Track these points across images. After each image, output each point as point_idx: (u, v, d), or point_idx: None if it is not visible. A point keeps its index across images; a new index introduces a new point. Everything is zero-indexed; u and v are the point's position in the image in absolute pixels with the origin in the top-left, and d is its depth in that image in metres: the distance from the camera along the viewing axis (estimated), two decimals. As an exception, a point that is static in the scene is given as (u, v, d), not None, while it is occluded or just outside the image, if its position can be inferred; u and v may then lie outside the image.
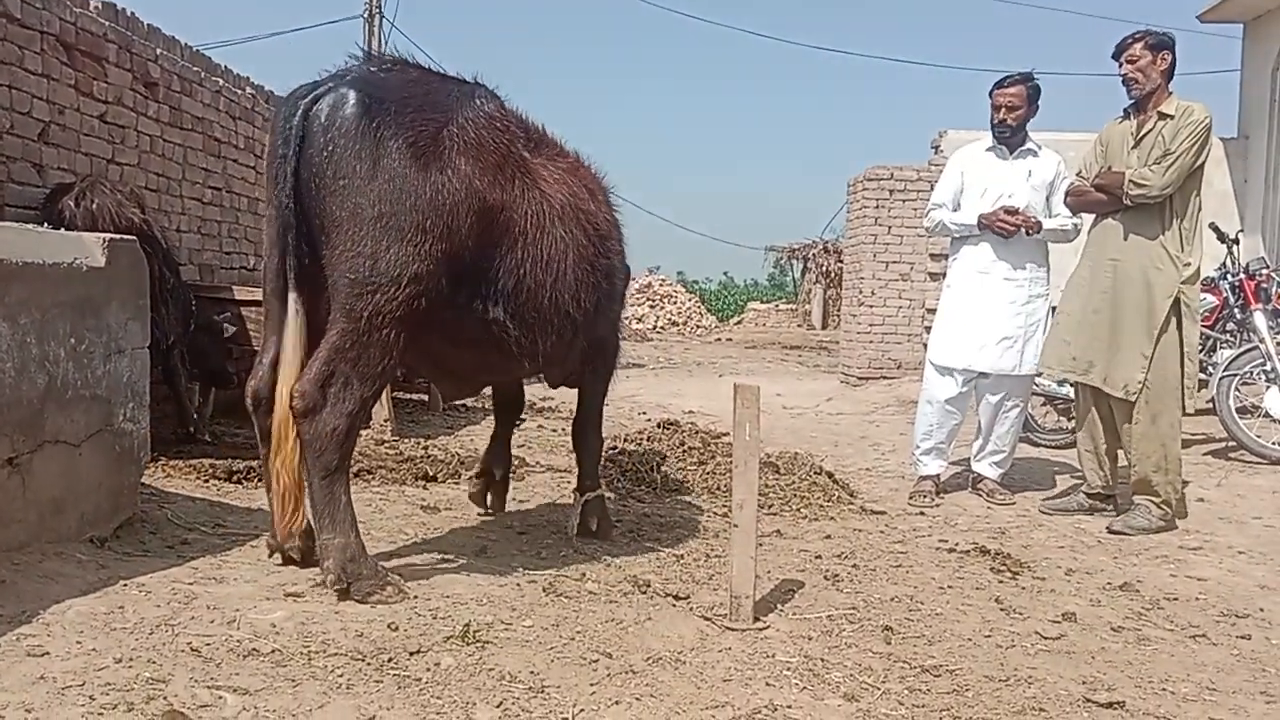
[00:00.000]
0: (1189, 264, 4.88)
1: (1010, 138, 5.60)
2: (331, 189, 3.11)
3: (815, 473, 5.87)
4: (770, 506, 5.33)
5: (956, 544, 4.64)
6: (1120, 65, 5.03)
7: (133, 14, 6.14)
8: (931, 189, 12.55)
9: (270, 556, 3.54)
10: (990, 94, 5.64)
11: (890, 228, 11.90)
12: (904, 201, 11.87)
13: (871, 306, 11.94)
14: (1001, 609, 3.65)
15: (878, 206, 11.91)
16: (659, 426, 6.28)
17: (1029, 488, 6.09)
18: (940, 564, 4.28)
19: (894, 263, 11.90)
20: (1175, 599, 3.89)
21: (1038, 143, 5.69)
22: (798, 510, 5.33)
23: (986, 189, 5.62)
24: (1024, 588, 3.96)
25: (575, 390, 4.42)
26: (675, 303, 28.72)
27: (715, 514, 5.07)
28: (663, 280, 31.00)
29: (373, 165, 3.10)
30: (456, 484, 5.32)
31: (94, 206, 4.89)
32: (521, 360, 3.66)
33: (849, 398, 11.25)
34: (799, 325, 32.50)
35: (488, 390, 4.72)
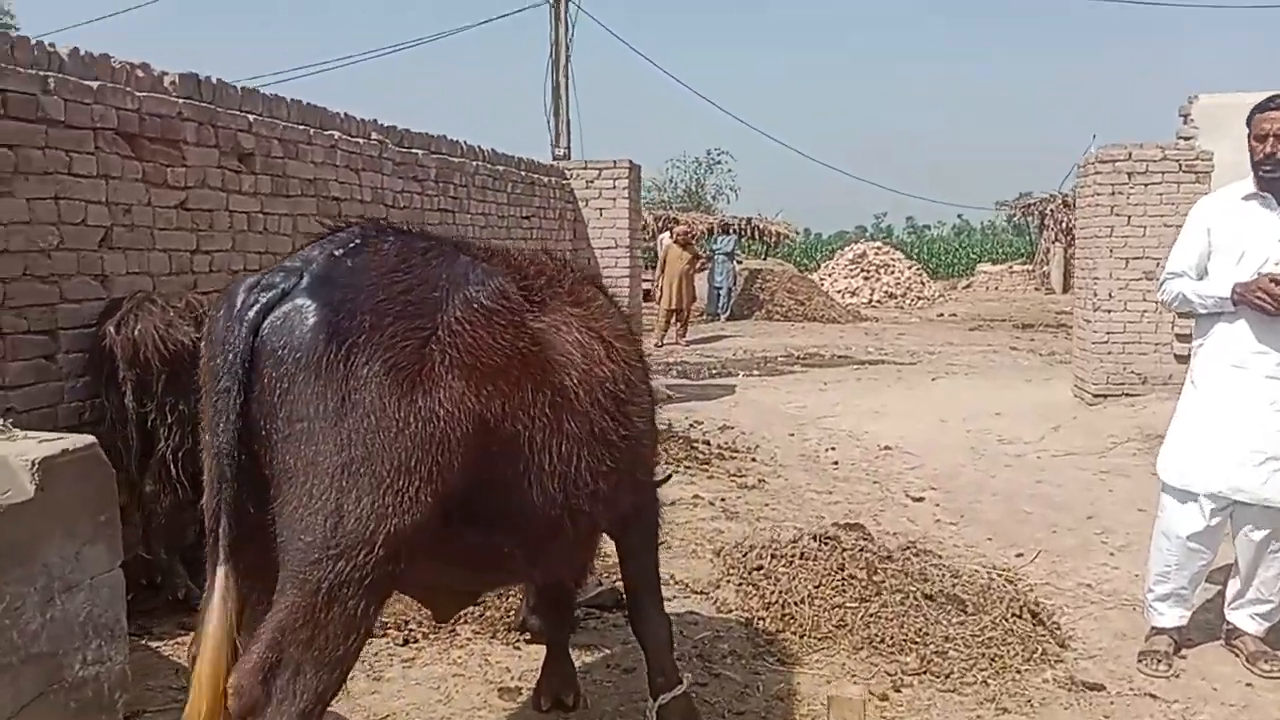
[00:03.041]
0: None
1: (1278, 180, 4.09)
2: (285, 434, 2.34)
3: (1014, 614, 4.63)
4: (947, 674, 4.17)
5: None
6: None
7: (219, 81, 5.56)
8: (1180, 170, 10.86)
9: None
10: (1249, 119, 4.15)
11: (1130, 218, 10.08)
12: (1145, 186, 10.01)
13: (1109, 311, 10.19)
14: None
15: (1113, 193, 10.10)
16: (815, 540, 5.21)
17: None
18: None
19: (1135, 259, 10.09)
20: None
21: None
22: (982, 678, 4.15)
23: (1245, 251, 4.14)
24: None
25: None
26: (893, 273, 26.77)
27: (869, 689, 3.98)
28: (878, 248, 29.04)
29: (340, 402, 2.32)
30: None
31: (135, 332, 4.31)
32: (531, 571, 3.17)
33: (1082, 424, 9.63)
34: (1036, 289, 29.89)
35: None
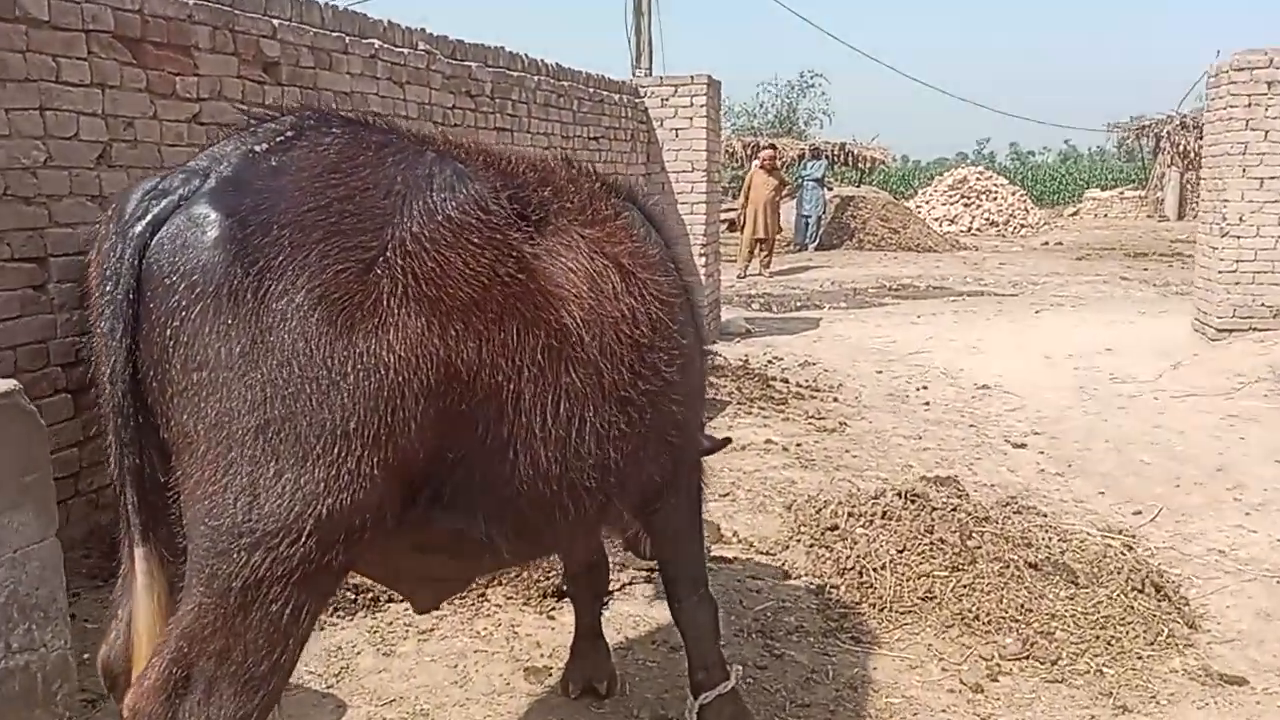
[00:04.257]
0: None
1: None
2: (181, 387, 1.79)
3: (1134, 587, 3.94)
4: (1053, 660, 3.55)
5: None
6: None
7: (238, -20, 5.01)
8: None
9: None
10: None
11: (1267, 133, 8.99)
12: (1290, 97, 8.86)
13: (1239, 237, 9.16)
14: None
15: (1250, 105, 9.00)
16: (900, 496, 4.55)
17: None
18: None
19: (1272, 179, 9.02)
20: None
21: None
22: (1096, 666, 3.51)
23: None
24: None
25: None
26: (994, 199, 25.30)
27: (959, 678, 3.38)
28: (980, 173, 27.51)
29: (251, 344, 1.76)
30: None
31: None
32: (522, 560, 2.85)
33: (1204, 361, 8.69)
34: (1149, 216, 28.14)
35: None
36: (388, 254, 1.85)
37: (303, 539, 1.78)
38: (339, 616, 3.66)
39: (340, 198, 1.86)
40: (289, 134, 1.95)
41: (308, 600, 1.85)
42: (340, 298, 1.79)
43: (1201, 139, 11.50)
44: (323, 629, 3.60)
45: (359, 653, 3.47)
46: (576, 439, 2.14)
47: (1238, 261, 9.17)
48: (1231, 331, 9.18)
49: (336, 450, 1.79)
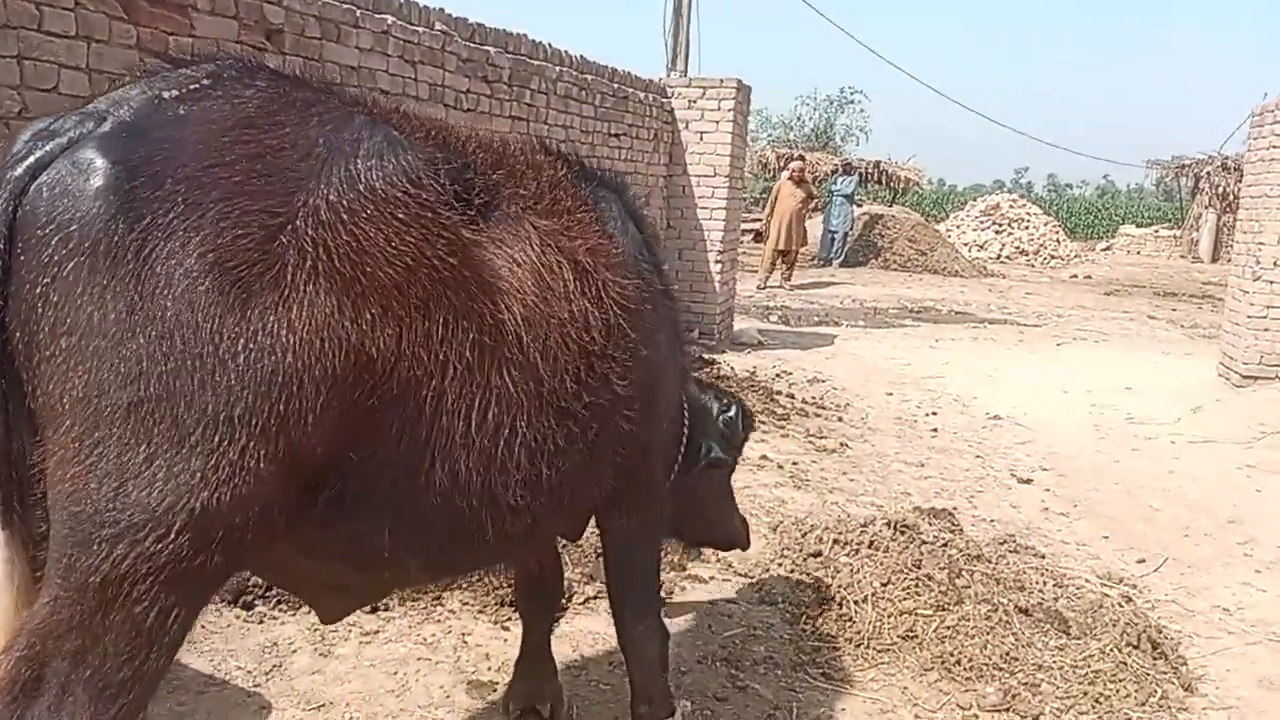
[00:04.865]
0: None
1: None
2: (48, 353, 1.58)
3: (1129, 642, 3.70)
4: (1036, 715, 3.32)
5: None
6: None
7: (242, -59, 4.84)
8: None
9: None
10: None
11: (1310, 175, 8.66)
12: (1335, 139, 8.56)
13: (1272, 282, 8.84)
14: None
15: (1294, 146, 8.68)
16: (890, 527, 4.32)
17: None
18: None
19: (1312, 223, 8.69)
20: None
21: None
22: (1085, 726, 3.27)
23: None
24: None
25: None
26: (1026, 227, 24.89)
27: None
28: (1013, 200, 27.10)
29: (129, 311, 1.55)
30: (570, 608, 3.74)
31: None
32: (439, 575, 2.59)
33: (1227, 408, 8.39)
34: (1182, 256, 27.67)
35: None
36: (297, 222, 1.64)
37: (172, 534, 1.58)
38: (279, 610, 3.47)
39: (249, 155, 1.65)
40: (204, 82, 1.75)
41: (178, 603, 1.64)
42: (236, 266, 1.58)
43: (1241, 181, 11.17)
44: (261, 622, 3.42)
45: (295, 651, 3.27)
46: (504, 450, 1.91)
47: (1268, 307, 8.87)
48: (1257, 379, 8.88)
49: (218, 438, 1.58)
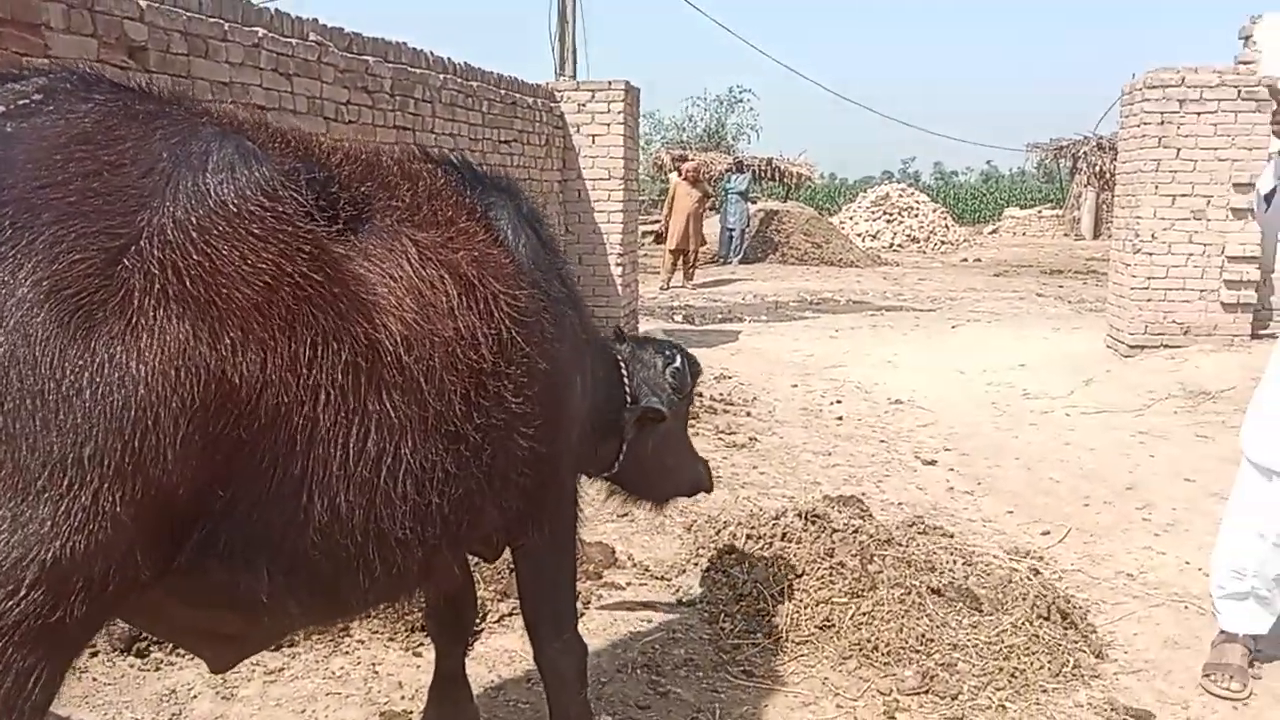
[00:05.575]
0: None
1: None
2: None
3: (1040, 615, 3.75)
4: (954, 694, 3.34)
5: None
6: None
7: (100, -44, 4.61)
8: (1238, 98, 9.72)
9: None
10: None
11: (1179, 150, 9.02)
12: (1199, 115, 8.93)
13: (1151, 254, 9.17)
14: None
15: (1162, 123, 9.03)
16: (800, 518, 4.33)
17: None
18: None
19: (1183, 196, 9.05)
20: None
21: None
22: (999, 700, 3.31)
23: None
24: None
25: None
26: (916, 215, 25.49)
27: (854, 716, 3.14)
28: (902, 190, 27.74)
29: None
30: (491, 633, 3.64)
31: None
32: (325, 619, 2.49)
33: (1116, 378, 8.68)
34: (1065, 235, 28.66)
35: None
36: (141, 243, 1.52)
37: (23, 590, 1.44)
38: (176, 655, 3.29)
39: (85, 173, 1.53)
40: (36, 97, 1.62)
41: (38, 662, 1.50)
42: (76, 294, 1.45)
43: (1116, 159, 11.57)
44: (157, 669, 3.24)
45: (195, 696, 3.11)
46: (388, 480, 1.80)
47: (1149, 278, 9.19)
48: (1143, 348, 9.20)
49: (67, 482, 1.44)
